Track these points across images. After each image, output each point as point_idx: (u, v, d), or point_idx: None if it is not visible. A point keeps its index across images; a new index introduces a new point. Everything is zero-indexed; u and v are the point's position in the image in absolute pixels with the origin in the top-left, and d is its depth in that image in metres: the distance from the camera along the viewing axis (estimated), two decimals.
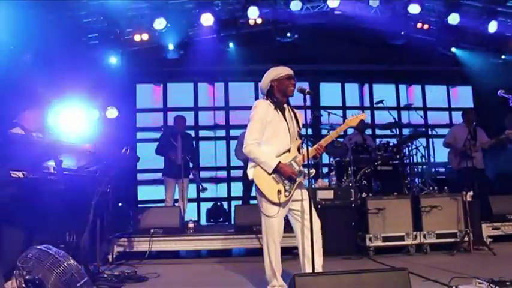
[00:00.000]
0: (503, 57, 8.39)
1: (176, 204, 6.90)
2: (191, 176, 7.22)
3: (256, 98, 6.72)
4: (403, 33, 8.08)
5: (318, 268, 3.23)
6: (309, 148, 3.45)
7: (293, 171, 3.38)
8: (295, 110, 3.65)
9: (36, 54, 6.46)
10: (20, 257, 2.82)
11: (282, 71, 3.53)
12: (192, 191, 9.27)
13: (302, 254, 3.40)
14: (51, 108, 5.21)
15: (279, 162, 3.36)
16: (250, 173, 3.44)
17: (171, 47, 7.94)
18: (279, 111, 3.49)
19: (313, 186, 5.81)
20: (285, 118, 3.51)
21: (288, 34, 8.04)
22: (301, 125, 3.60)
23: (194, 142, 8.78)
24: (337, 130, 3.63)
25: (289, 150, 3.48)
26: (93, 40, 7.84)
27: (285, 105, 3.58)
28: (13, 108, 4.57)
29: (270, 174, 3.37)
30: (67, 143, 3.81)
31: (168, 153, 6.92)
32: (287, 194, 3.37)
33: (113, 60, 7.88)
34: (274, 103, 3.50)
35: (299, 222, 3.42)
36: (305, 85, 8.13)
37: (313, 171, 3.55)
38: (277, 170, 3.36)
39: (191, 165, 7.22)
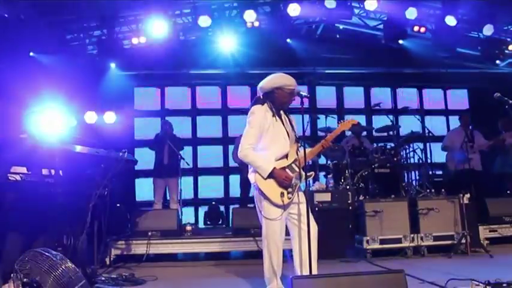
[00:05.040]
0: (497, 62, 8.45)
1: (174, 207, 6.91)
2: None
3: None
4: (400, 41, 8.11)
5: (313, 272, 3.22)
6: (314, 146, 3.53)
7: (287, 176, 3.35)
8: (289, 115, 3.65)
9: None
10: (18, 259, 2.81)
11: (290, 83, 3.47)
12: (190, 193, 9.32)
13: (298, 258, 3.37)
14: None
15: (274, 168, 3.34)
16: (252, 177, 3.42)
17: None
18: (276, 116, 3.49)
19: (310, 188, 5.84)
20: (282, 123, 3.51)
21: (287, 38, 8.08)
22: (295, 129, 3.60)
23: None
24: (332, 134, 3.66)
25: (287, 154, 3.47)
26: (91, 44, 7.87)
27: (281, 111, 3.58)
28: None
29: (265, 179, 3.34)
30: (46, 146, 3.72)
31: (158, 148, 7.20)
32: (290, 196, 3.35)
33: (111, 63, 7.89)
34: (271, 109, 3.48)
35: (296, 226, 3.40)
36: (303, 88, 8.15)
37: (312, 173, 3.58)
38: (272, 175, 3.33)
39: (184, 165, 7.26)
